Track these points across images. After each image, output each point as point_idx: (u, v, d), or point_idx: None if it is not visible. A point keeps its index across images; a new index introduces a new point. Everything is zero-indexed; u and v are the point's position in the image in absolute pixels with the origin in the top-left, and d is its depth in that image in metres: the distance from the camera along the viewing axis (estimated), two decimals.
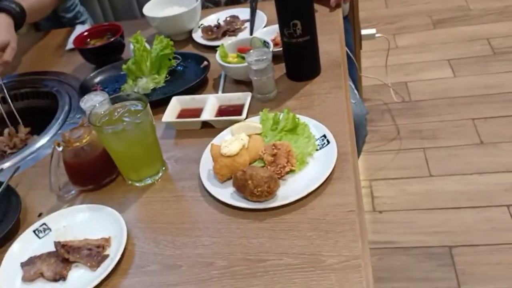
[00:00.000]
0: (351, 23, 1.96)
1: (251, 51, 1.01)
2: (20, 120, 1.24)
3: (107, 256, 0.75)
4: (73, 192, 0.90)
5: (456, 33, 2.73)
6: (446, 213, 1.82)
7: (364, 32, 2.13)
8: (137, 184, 0.90)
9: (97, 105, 0.87)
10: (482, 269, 1.61)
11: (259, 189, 0.77)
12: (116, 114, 0.85)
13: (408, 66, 2.55)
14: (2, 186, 0.88)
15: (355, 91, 1.57)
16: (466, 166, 1.97)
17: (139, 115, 0.83)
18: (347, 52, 1.37)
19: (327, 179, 0.81)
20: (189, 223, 0.81)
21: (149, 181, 0.90)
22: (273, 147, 0.84)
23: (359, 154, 1.59)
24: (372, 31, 2.17)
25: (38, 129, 1.16)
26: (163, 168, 0.92)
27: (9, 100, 1.24)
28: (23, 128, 1.23)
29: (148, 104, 0.85)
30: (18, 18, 1.29)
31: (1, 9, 1.26)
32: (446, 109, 2.25)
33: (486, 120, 2.14)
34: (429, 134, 2.15)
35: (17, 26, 1.29)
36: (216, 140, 0.92)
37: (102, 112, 0.86)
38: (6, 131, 1.23)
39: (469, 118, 2.17)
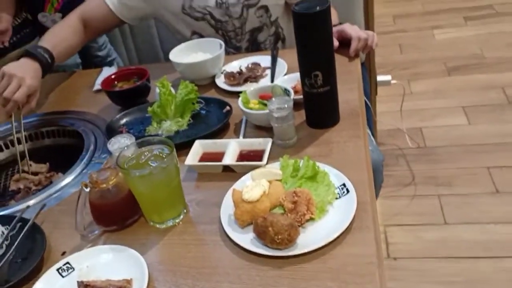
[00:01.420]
0: (367, 69, 2.01)
1: (273, 99, 1.04)
2: (28, 159, 1.26)
3: None
4: (96, 232, 0.92)
5: (470, 80, 2.76)
6: (462, 262, 1.80)
7: (380, 78, 2.17)
8: (159, 226, 0.92)
9: (125, 148, 0.90)
10: None
11: (279, 237, 0.79)
12: (143, 157, 0.88)
13: (422, 112, 2.57)
14: (28, 224, 0.90)
15: (372, 138, 1.59)
16: (481, 214, 1.96)
17: (165, 159, 0.86)
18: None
19: (346, 228, 0.82)
20: (209, 268, 0.82)
21: (170, 223, 0.92)
22: (294, 195, 0.86)
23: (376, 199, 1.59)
24: (387, 77, 2.21)
25: (63, 168, 1.19)
26: (185, 211, 0.94)
27: (22, 140, 1.27)
28: (37, 165, 1.26)
29: (174, 149, 0.88)
30: (47, 68, 1.34)
31: (35, 56, 1.31)
32: (461, 156, 2.26)
33: (502, 169, 2.14)
34: (444, 181, 2.15)
35: (43, 74, 1.34)
36: (237, 185, 0.94)
37: (129, 155, 0.89)
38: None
39: (484, 166, 2.17)
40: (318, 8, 0.97)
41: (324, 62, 1.03)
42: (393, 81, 2.24)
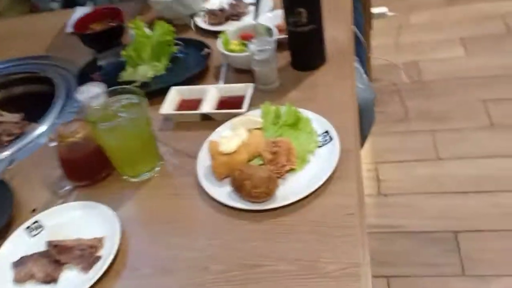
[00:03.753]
0: (361, 1, 1.89)
1: (254, 40, 0.97)
2: None
3: (99, 257, 0.73)
4: (67, 187, 0.88)
5: (470, 10, 2.63)
6: (453, 198, 1.78)
7: (375, 10, 2.06)
8: (133, 180, 0.88)
9: (94, 97, 0.84)
10: (488, 255, 1.58)
11: (257, 190, 0.75)
12: (111, 108, 0.83)
13: (420, 45, 2.46)
14: None
15: (363, 75, 1.52)
16: (475, 149, 1.92)
17: (135, 110, 0.80)
18: (355, 32, 1.32)
19: (328, 179, 0.78)
20: (185, 223, 0.79)
21: (145, 177, 0.88)
22: (273, 145, 0.81)
23: (365, 140, 1.55)
24: (383, 9, 2.10)
25: (36, 116, 1.13)
26: (160, 162, 0.89)
27: None
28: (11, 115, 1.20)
29: (145, 99, 0.82)
30: None
31: None
32: (457, 89, 2.18)
33: (498, 102, 2.08)
34: (438, 115, 2.09)
35: None
36: (215, 135, 0.89)
37: (97, 106, 0.83)
38: None
39: (481, 99, 2.11)
40: None
41: None
42: (389, 13, 2.13)
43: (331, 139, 0.84)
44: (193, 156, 0.88)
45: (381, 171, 1.94)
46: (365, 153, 1.97)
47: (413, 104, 2.17)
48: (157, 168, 0.89)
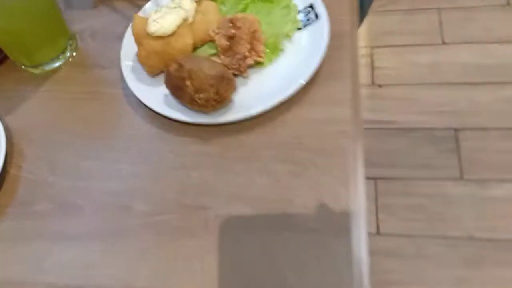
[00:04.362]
0: None
1: None
2: None
3: None
4: None
5: None
6: (456, 89, 1.55)
7: None
8: (33, 71, 0.61)
9: None
10: (490, 157, 1.39)
11: (201, 95, 0.49)
12: None
13: None
14: None
15: None
16: (486, 32, 1.66)
17: None
18: None
19: (310, 78, 0.52)
20: (102, 137, 0.55)
21: (49, 67, 0.61)
22: (231, 25, 0.54)
23: (363, 18, 1.26)
24: None
25: None
26: (72, 46, 0.62)
27: None
28: None
29: None
30: None
31: None
32: None
33: None
34: None
35: None
36: (147, 9, 0.61)
37: None
38: None
39: None
40: None
41: None
42: None
43: (316, 17, 0.57)
44: (120, 37, 0.60)
45: (376, 56, 1.67)
46: (359, 35, 1.68)
47: None
48: (68, 54, 0.61)
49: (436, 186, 1.36)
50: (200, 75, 0.49)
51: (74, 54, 0.62)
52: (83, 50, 0.63)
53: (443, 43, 1.67)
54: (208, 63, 0.50)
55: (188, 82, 0.49)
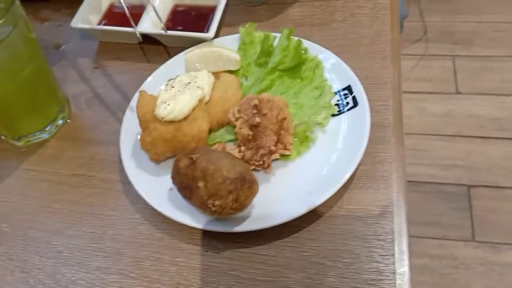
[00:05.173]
0: None
1: None
2: None
3: None
4: None
5: None
6: (469, 143, 1.49)
7: None
8: (15, 143, 0.52)
9: None
10: (504, 219, 1.32)
11: (216, 202, 0.40)
12: None
13: None
14: None
15: None
16: (503, 84, 1.61)
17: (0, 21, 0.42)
18: None
19: (348, 179, 0.43)
20: (89, 239, 0.45)
21: (36, 139, 0.51)
22: (255, 110, 0.45)
23: None
24: None
25: None
26: (64, 113, 0.53)
27: None
28: None
29: (17, 2, 0.43)
30: None
31: None
32: (488, 6, 1.80)
33: None
34: (462, 37, 1.75)
35: None
36: (156, 78, 0.52)
37: None
38: None
39: None
40: None
41: None
42: None
43: (355, 104, 0.48)
44: (122, 106, 0.51)
45: None
46: None
47: (433, 20, 1.79)
48: (60, 122, 0.52)
49: (447, 246, 1.28)
50: (217, 178, 0.40)
51: (68, 120, 0.53)
52: (77, 119, 0.53)
53: (457, 92, 1.61)
54: (227, 162, 0.41)
55: (201, 184, 0.40)
